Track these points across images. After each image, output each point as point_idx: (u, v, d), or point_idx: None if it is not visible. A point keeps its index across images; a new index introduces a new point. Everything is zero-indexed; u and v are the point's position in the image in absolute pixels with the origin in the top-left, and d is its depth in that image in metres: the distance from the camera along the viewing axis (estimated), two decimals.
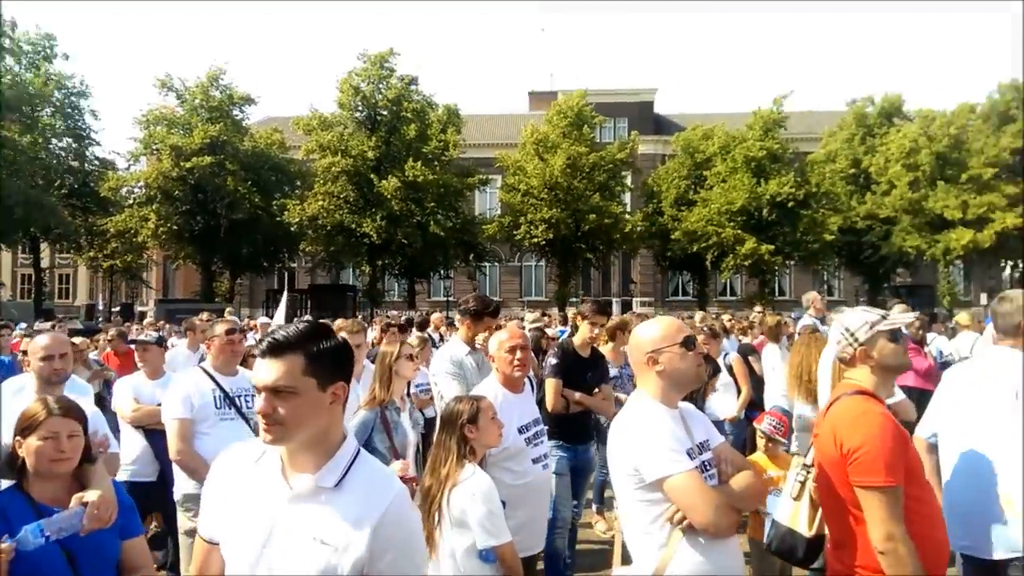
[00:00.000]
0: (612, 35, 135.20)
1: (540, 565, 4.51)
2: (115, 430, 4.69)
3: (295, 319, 15.46)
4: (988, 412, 3.06)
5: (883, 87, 67.10)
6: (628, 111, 46.31)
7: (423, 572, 1.85)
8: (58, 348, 3.79)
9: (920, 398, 5.51)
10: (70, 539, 2.43)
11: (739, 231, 33.78)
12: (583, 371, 5.16)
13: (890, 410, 2.58)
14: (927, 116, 36.72)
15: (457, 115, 36.17)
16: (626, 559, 2.69)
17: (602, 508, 6.96)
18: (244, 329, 4.59)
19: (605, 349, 6.84)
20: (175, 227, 34.99)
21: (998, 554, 2.92)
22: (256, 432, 4.71)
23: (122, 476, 4.69)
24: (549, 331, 11.04)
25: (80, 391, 4.39)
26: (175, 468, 4.38)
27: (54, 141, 37.74)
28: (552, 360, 5.10)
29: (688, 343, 2.55)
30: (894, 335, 2.63)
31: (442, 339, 10.91)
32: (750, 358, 8.34)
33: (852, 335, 2.65)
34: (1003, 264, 38.79)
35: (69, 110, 37.20)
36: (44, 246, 40.15)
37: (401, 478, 4.15)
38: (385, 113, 34.89)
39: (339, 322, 6.13)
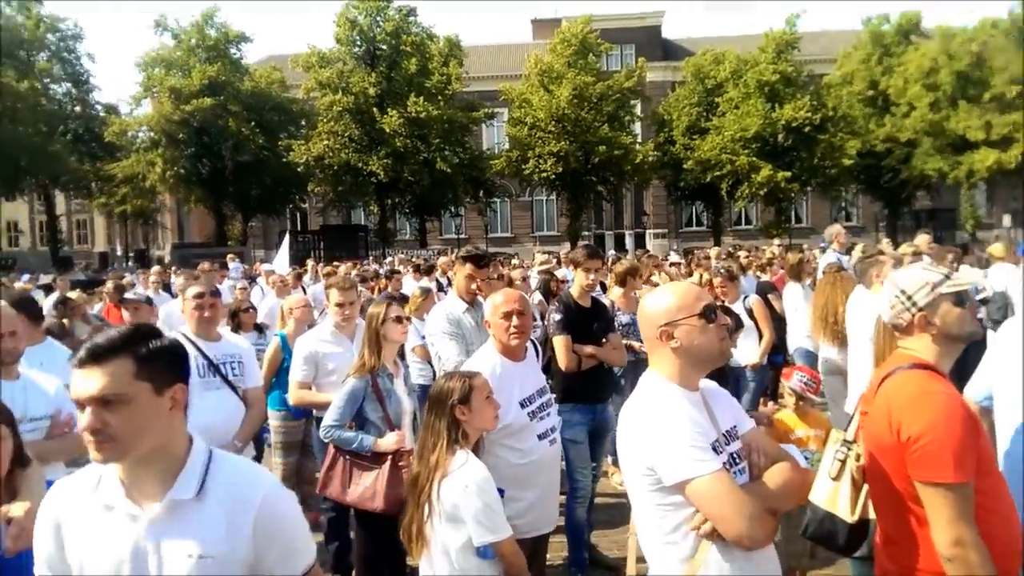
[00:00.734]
0: None
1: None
2: None
3: (291, 265, 15.23)
4: None
5: (900, 4, 64.35)
6: (635, 37, 44.62)
7: (312, 554, 1.77)
8: (5, 327, 3.26)
9: None
10: None
11: (754, 158, 32.80)
12: (588, 322, 4.77)
13: None
14: (946, 33, 35.21)
15: (458, 47, 35.10)
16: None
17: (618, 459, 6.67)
18: (215, 291, 4.21)
19: (615, 294, 6.47)
20: (182, 171, 34.89)
21: None
22: (246, 402, 4.45)
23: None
24: (559, 273, 10.58)
25: (52, 362, 4.06)
26: None
27: (53, 87, 37.41)
28: (555, 316, 4.70)
29: (708, 313, 2.12)
30: (959, 298, 2.21)
31: (450, 283, 10.53)
32: (770, 296, 7.93)
33: (909, 298, 2.23)
34: None
35: (65, 54, 36.78)
36: (57, 193, 40.09)
37: (397, 451, 3.86)
38: (384, 47, 34.01)
39: (331, 279, 5.80)
